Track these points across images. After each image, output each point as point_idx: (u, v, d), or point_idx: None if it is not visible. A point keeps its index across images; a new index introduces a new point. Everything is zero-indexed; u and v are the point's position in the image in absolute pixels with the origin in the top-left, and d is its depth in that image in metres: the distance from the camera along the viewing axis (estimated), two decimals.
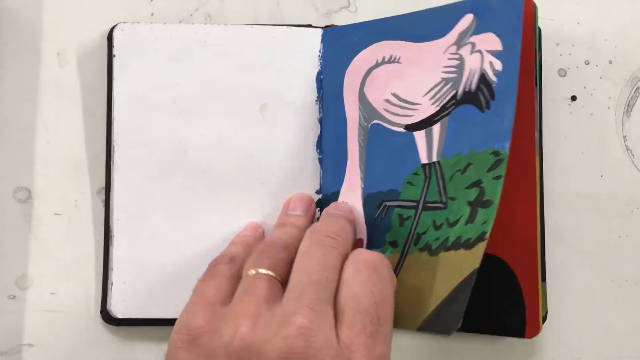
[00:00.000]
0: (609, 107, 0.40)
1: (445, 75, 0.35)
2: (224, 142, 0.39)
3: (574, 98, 0.40)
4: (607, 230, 0.40)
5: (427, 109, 0.36)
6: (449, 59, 0.35)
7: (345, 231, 0.34)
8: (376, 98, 0.38)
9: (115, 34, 0.38)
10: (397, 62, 0.37)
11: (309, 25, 0.40)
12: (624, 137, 0.40)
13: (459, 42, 0.35)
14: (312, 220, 0.39)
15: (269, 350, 0.29)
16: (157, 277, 0.38)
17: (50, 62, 0.40)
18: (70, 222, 0.40)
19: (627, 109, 0.40)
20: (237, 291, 0.32)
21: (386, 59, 0.38)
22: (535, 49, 0.36)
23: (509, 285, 0.36)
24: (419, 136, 0.36)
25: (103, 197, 0.39)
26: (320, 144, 0.39)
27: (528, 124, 0.36)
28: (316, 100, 0.39)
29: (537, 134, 0.37)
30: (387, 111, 0.37)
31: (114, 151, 0.38)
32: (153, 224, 0.38)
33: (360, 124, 0.38)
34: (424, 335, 0.40)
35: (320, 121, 0.39)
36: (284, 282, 0.32)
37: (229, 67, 0.39)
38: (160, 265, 0.38)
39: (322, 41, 0.39)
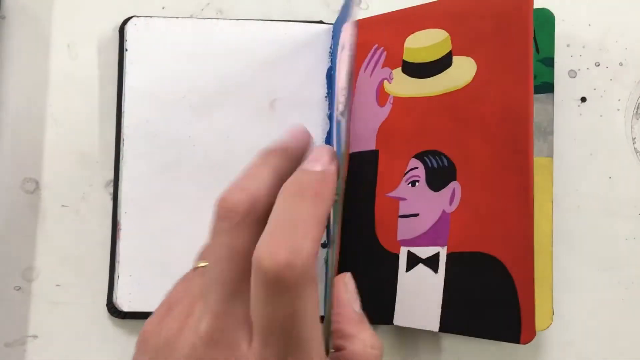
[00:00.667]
0: (618, 109, 0.40)
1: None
2: (233, 137, 0.39)
3: (583, 99, 0.40)
4: (614, 232, 0.40)
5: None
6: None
7: (246, 201, 0.26)
8: None
9: (127, 28, 0.38)
10: None
11: (320, 22, 0.40)
12: (633, 139, 0.40)
13: None
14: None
15: (178, 356, 0.25)
16: (163, 271, 0.38)
17: (61, 55, 0.40)
18: (77, 215, 0.40)
19: (636, 111, 0.40)
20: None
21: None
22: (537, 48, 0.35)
23: (505, 286, 0.34)
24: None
25: (111, 190, 0.39)
26: (329, 140, 0.39)
27: (521, 123, 0.34)
28: (326, 97, 0.39)
29: (551, 137, 0.36)
30: None
31: (123, 144, 0.38)
32: (161, 217, 0.38)
33: None
34: (427, 334, 0.40)
35: (330, 117, 0.39)
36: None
37: (240, 63, 0.39)
38: (167, 259, 0.38)
39: (333, 37, 0.39)
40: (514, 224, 0.34)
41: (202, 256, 0.27)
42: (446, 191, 0.36)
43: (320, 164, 0.26)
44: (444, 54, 0.36)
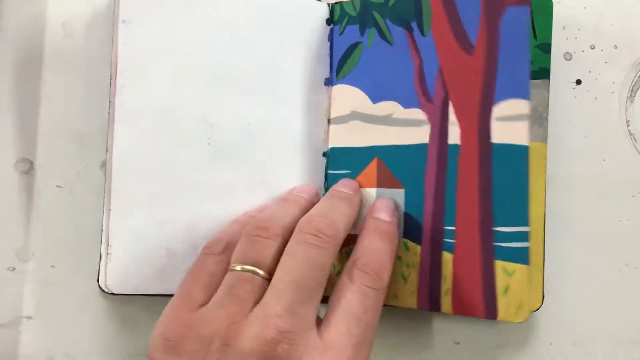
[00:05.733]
0: (613, 92, 0.40)
1: None
2: (233, 115, 0.38)
3: (578, 82, 0.41)
4: (608, 214, 0.40)
5: None
6: None
7: (332, 227, 0.33)
8: None
9: None
10: None
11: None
12: (627, 121, 0.40)
13: None
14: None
15: (250, 354, 0.29)
16: (154, 252, 0.37)
17: (56, 33, 0.40)
18: (72, 195, 0.39)
19: (630, 94, 0.41)
20: (221, 287, 0.32)
21: None
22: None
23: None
24: None
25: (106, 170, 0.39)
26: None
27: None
28: (326, 79, 0.39)
29: (546, 122, 0.37)
30: None
31: (113, 119, 0.37)
32: (154, 197, 0.37)
33: None
34: (420, 314, 0.40)
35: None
36: (270, 274, 0.32)
37: (240, 35, 0.38)
38: (158, 241, 0.37)
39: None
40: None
41: (243, 260, 0.32)
42: None
43: (388, 215, 0.35)
44: None
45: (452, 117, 0.35)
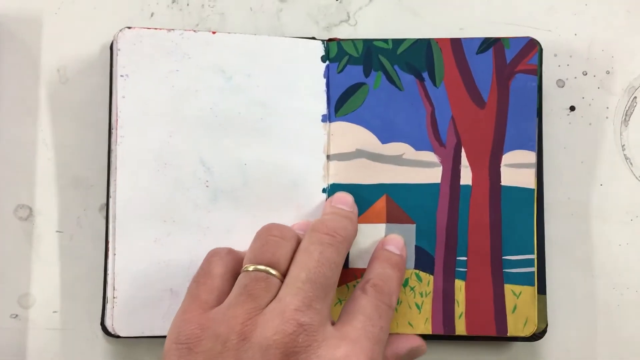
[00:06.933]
0: (607, 117, 0.41)
1: None
2: (230, 157, 0.38)
3: (572, 108, 0.41)
4: (607, 238, 0.40)
5: None
6: None
7: (345, 230, 0.35)
8: None
9: (118, 38, 0.37)
10: None
11: (313, 38, 0.40)
12: (623, 146, 0.41)
13: None
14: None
15: (271, 346, 0.29)
16: (158, 294, 0.37)
17: (51, 79, 0.40)
18: (72, 240, 0.39)
19: (625, 118, 0.41)
20: (234, 288, 0.32)
21: None
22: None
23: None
24: None
25: (105, 213, 0.39)
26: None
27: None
28: (324, 115, 0.39)
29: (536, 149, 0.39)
30: None
31: (115, 158, 0.37)
32: (154, 238, 0.37)
33: None
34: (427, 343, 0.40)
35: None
36: (283, 274, 0.33)
37: (234, 78, 0.39)
38: (162, 283, 0.37)
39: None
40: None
41: (256, 261, 0.33)
42: None
43: (398, 249, 0.37)
44: None
45: (465, 161, 0.39)
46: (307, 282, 0.31)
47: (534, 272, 0.38)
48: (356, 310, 0.33)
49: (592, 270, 0.40)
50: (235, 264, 0.34)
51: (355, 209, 0.38)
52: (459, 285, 0.38)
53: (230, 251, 0.35)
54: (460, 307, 0.38)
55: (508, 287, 0.38)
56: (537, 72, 0.38)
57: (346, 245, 0.34)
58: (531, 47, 0.38)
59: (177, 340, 0.31)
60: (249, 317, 0.30)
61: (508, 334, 0.38)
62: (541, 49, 0.39)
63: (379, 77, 0.39)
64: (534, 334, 0.38)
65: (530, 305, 0.37)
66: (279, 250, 0.33)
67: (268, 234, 0.34)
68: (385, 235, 0.38)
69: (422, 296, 0.38)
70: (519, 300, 0.37)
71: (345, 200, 0.37)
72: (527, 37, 0.38)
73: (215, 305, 0.32)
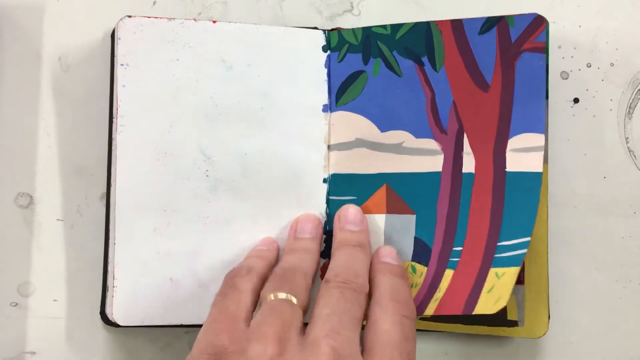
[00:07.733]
0: (610, 109, 0.41)
1: None
2: (230, 147, 0.38)
3: (576, 100, 0.41)
4: (610, 231, 0.40)
5: None
6: None
7: (359, 278, 0.34)
8: None
9: (118, 27, 0.37)
10: None
11: (315, 28, 0.40)
12: (626, 138, 0.40)
13: None
14: (321, 242, 0.38)
15: None
16: (158, 283, 0.37)
17: (52, 67, 0.40)
18: (72, 228, 0.39)
19: (628, 111, 0.41)
20: (259, 312, 0.32)
21: None
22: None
23: None
24: None
25: (106, 202, 0.39)
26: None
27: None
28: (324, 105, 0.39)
29: (546, 144, 0.37)
30: None
31: (116, 147, 0.37)
32: (155, 228, 0.37)
33: None
34: (430, 337, 0.40)
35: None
36: (304, 309, 0.33)
37: (235, 67, 0.38)
38: (162, 272, 0.37)
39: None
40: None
41: (276, 290, 0.32)
42: None
43: (395, 260, 0.36)
44: None
45: (467, 147, 0.37)
46: (334, 314, 0.31)
47: (524, 253, 0.35)
48: (382, 340, 0.32)
49: (595, 262, 0.40)
50: (256, 283, 0.34)
51: (365, 223, 0.37)
52: (447, 274, 0.36)
53: (249, 270, 0.35)
54: (439, 293, 0.36)
55: (493, 270, 0.35)
56: (545, 50, 0.36)
57: (364, 290, 0.34)
58: (538, 24, 0.36)
59: (206, 351, 0.30)
60: (278, 341, 0.30)
61: (474, 312, 0.35)
62: (548, 25, 0.37)
63: (377, 64, 0.38)
64: (516, 321, 0.37)
65: (508, 284, 0.34)
66: (298, 282, 0.34)
67: (285, 271, 0.34)
68: (383, 239, 0.38)
69: (412, 287, 0.37)
70: (499, 280, 0.35)
71: (354, 218, 0.37)
72: (534, 13, 0.36)
73: (244, 320, 0.32)
